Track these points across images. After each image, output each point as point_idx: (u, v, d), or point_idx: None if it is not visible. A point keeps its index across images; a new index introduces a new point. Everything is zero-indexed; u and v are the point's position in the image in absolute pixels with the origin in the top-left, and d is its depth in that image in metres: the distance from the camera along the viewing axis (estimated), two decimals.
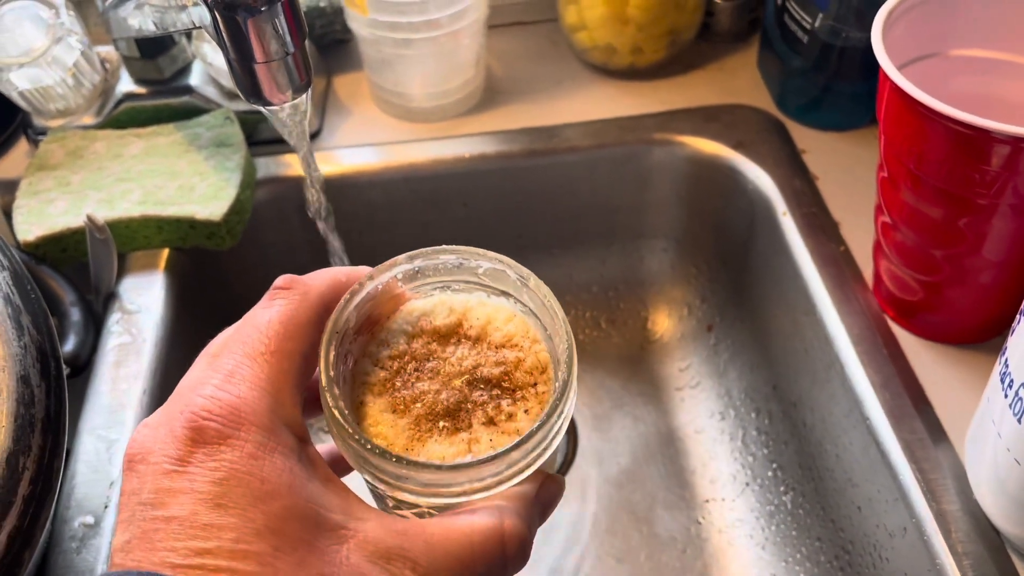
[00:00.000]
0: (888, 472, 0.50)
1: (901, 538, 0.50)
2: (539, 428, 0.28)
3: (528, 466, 0.29)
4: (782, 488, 0.65)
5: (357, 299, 0.31)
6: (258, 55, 0.40)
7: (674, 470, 0.70)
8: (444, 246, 0.32)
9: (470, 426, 0.30)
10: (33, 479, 0.39)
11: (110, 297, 0.60)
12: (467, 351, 0.31)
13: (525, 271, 0.31)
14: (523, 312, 0.32)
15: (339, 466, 0.33)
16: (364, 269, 0.32)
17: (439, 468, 0.28)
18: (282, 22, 0.39)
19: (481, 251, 0.32)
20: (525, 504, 0.29)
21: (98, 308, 0.59)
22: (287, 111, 0.44)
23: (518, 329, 0.32)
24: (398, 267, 0.31)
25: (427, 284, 0.32)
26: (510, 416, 0.30)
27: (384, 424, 0.30)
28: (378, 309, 0.32)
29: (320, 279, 0.31)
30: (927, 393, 0.52)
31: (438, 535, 0.27)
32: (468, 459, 0.28)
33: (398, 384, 0.31)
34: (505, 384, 0.30)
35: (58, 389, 0.42)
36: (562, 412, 0.29)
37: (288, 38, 0.40)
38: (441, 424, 0.30)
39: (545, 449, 0.29)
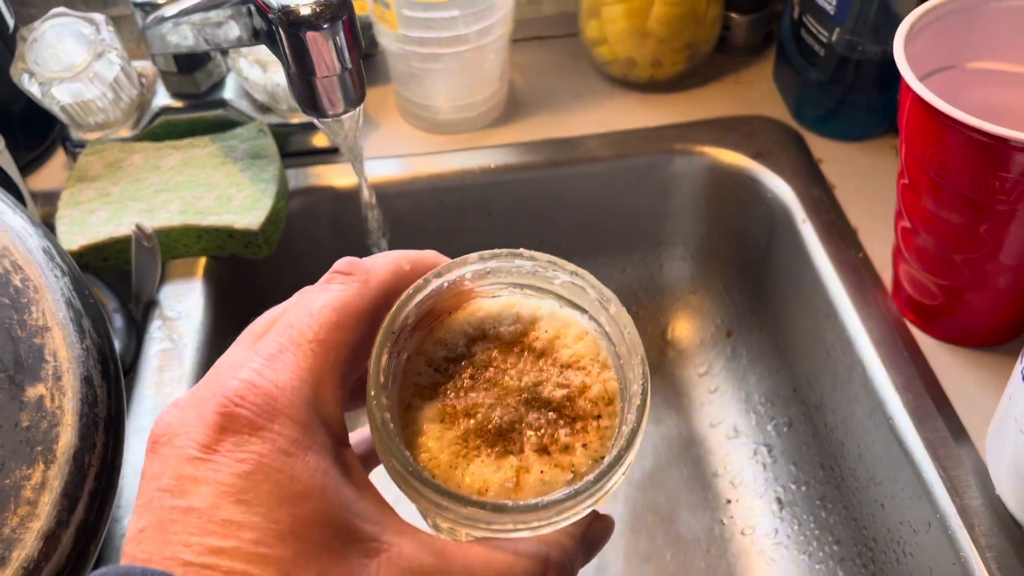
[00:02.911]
0: (911, 470, 0.52)
1: (925, 533, 0.51)
2: (597, 479, 0.26)
3: (578, 513, 0.26)
4: (804, 488, 0.67)
5: (419, 296, 0.28)
6: (318, 69, 0.42)
7: (696, 472, 0.72)
8: (521, 250, 0.29)
9: (521, 451, 0.27)
10: (98, 475, 0.40)
11: (150, 304, 0.61)
12: (529, 365, 0.28)
13: (608, 293, 0.28)
14: (596, 332, 0.29)
15: (371, 459, 0.31)
16: (430, 254, 0.29)
17: (483, 506, 0.25)
18: (342, 39, 0.41)
19: (561, 261, 0.29)
20: (572, 540, 0.27)
21: (137, 315, 0.61)
22: (343, 123, 0.46)
23: (588, 350, 0.29)
24: (468, 266, 0.29)
25: (497, 283, 0.30)
26: (566, 448, 0.27)
27: (430, 435, 0.27)
28: (441, 304, 0.29)
29: (383, 266, 0.28)
30: (947, 394, 0.54)
31: (479, 561, 0.25)
32: (513, 503, 0.26)
33: (450, 391, 0.28)
34: (566, 411, 0.28)
35: (117, 389, 0.44)
36: (626, 463, 0.26)
37: (347, 54, 0.42)
38: (491, 444, 0.27)
39: (600, 499, 0.26)
